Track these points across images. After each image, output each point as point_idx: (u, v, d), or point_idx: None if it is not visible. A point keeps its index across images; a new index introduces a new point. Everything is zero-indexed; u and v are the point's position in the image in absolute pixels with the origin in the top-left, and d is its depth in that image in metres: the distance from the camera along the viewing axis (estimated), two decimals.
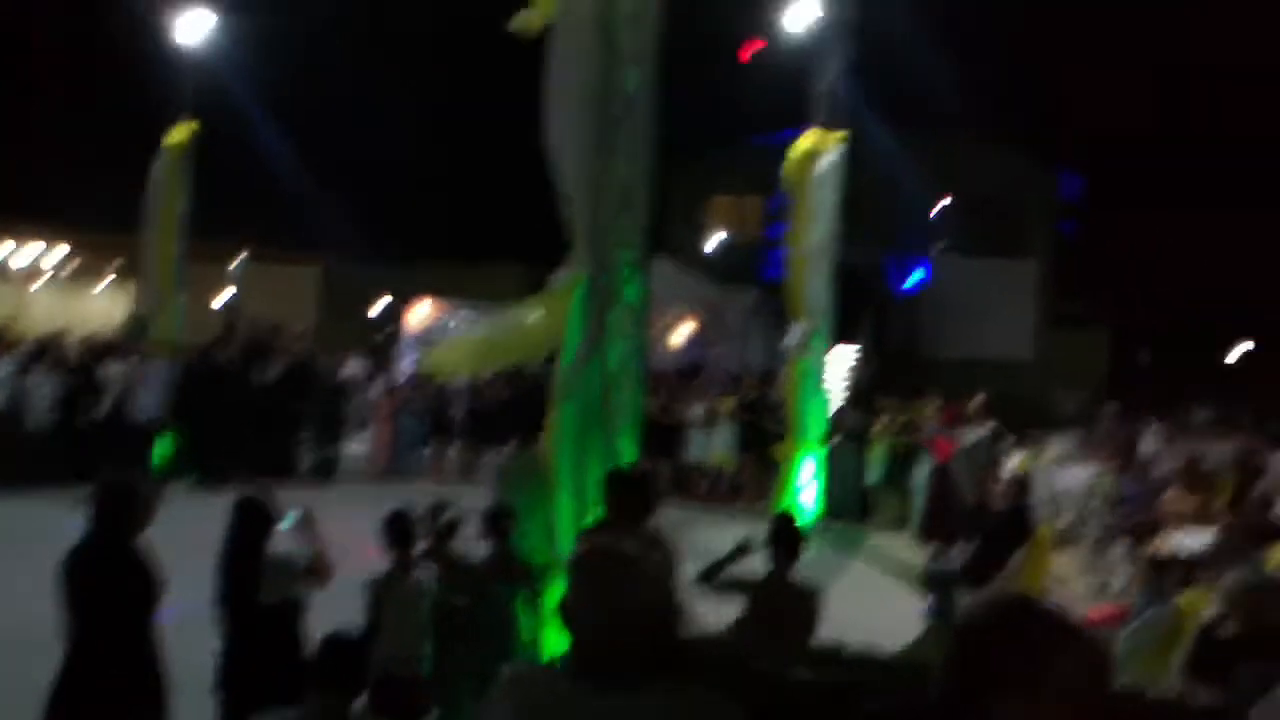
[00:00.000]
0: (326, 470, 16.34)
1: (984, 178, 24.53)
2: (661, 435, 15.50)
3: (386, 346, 23.71)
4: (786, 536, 6.05)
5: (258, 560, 5.71)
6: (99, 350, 16.09)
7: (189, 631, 6.86)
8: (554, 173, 8.35)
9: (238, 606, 5.71)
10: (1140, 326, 26.11)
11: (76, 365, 15.26)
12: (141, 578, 5.09)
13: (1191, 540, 10.40)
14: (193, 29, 16.62)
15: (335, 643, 4.20)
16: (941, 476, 13.76)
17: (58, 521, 11.75)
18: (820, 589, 6.09)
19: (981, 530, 10.48)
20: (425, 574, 5.98)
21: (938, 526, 13.45)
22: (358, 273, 27.58)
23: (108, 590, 5.02)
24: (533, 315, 8.37)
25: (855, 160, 15.58)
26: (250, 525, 5.78)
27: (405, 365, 21.27)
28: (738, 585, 5.96)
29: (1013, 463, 14.20)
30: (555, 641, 6.27)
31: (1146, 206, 28.16)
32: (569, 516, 8.08)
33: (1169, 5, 26.04)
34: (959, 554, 10.81)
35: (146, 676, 5.12)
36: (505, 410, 16.15)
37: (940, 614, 9.77)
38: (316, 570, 5.82)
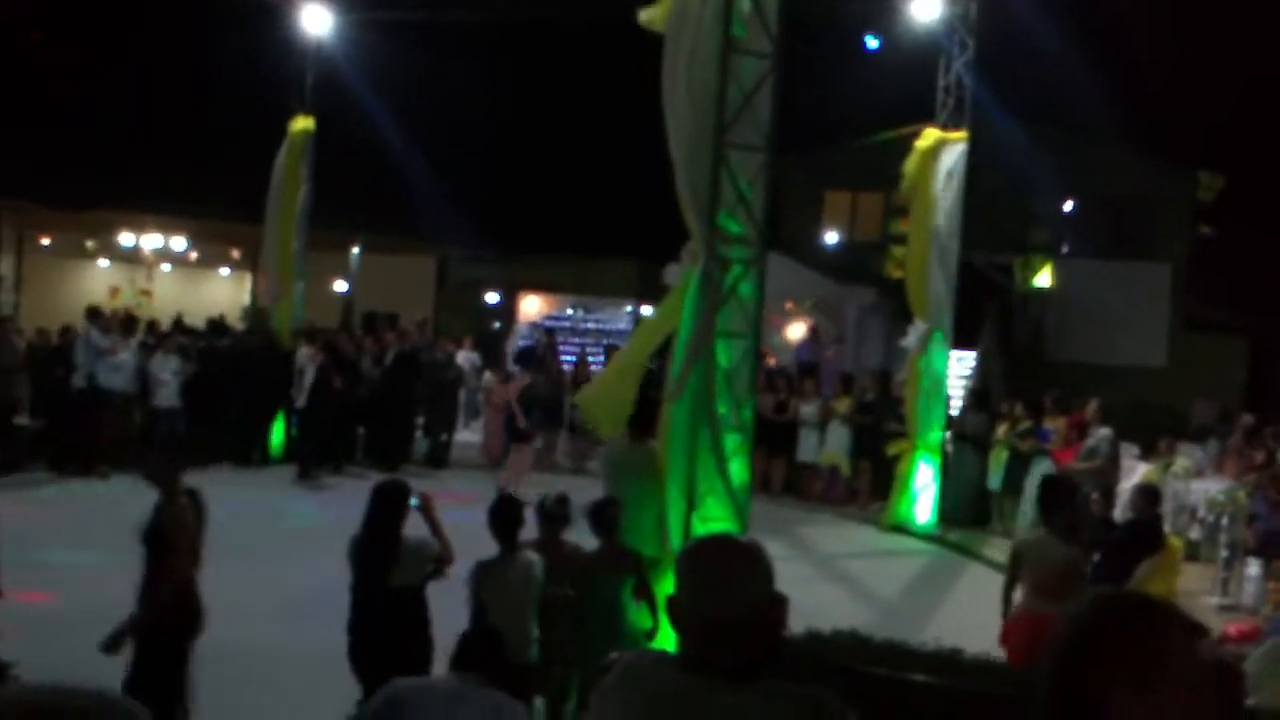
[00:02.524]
0: (438, 458, 16.52)
1: (1117, 176, 23.68)
2: (775, 434, 15.31)
3: (500, 337, 23.91)
4: (1055, 496, 6.62)
5: (395, 544, 5.76)
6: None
7: (315, 612, 6.97)
8: (671, 167, 8.25)
9: (370, 588, 5.74)
10: None
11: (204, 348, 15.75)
12: None
13: None
14: (312, 22, 16.98)
15: (473, 638, 4.20)
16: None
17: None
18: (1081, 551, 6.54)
19: (1107, 541, 10.09)
20: (533, 560, 5.94)
21: None
22: (472, 265, 27.90)
23: None
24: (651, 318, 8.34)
25: (982, 158, 15.14)
26: (389, 509, 5.81)
27: (517, 355, 21.40)
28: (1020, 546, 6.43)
29: (1140, 472, 13.65)
30: (668, 633, 6.22)
31: None
32: (679, 511, 8.01)
33: None
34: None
35: None
36: None
37: None
38: (443, 556, 5.86)
